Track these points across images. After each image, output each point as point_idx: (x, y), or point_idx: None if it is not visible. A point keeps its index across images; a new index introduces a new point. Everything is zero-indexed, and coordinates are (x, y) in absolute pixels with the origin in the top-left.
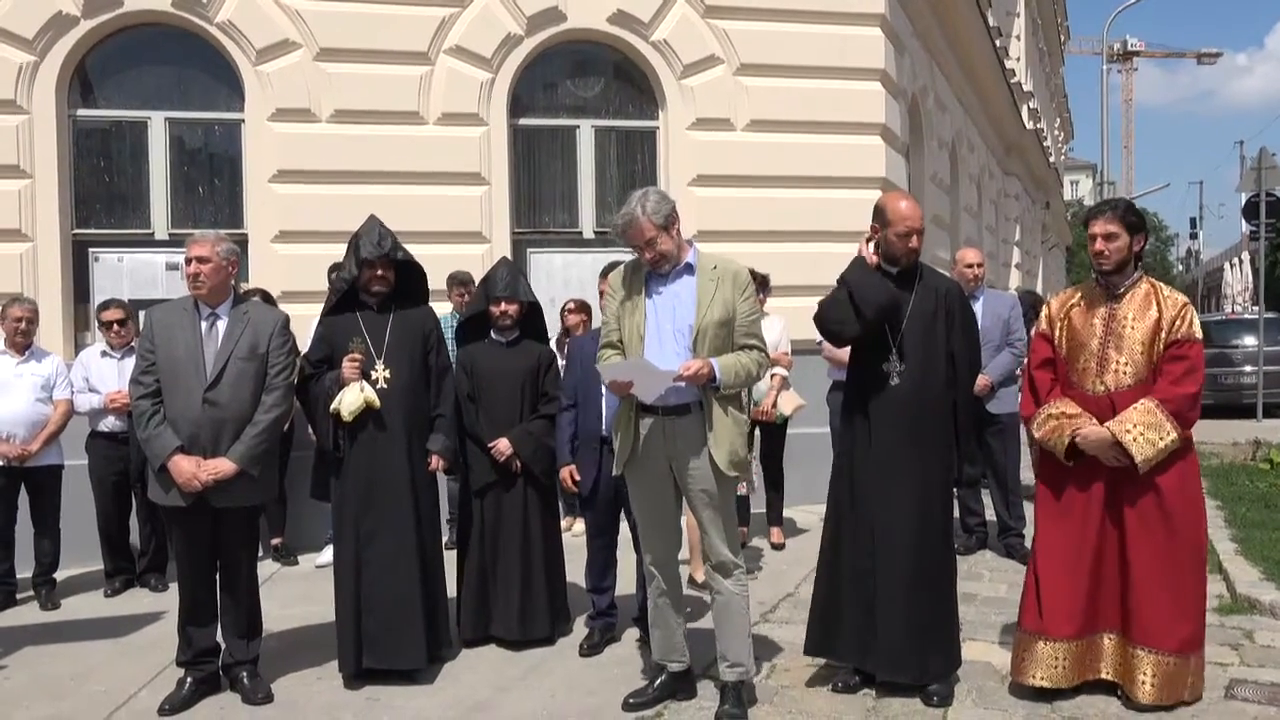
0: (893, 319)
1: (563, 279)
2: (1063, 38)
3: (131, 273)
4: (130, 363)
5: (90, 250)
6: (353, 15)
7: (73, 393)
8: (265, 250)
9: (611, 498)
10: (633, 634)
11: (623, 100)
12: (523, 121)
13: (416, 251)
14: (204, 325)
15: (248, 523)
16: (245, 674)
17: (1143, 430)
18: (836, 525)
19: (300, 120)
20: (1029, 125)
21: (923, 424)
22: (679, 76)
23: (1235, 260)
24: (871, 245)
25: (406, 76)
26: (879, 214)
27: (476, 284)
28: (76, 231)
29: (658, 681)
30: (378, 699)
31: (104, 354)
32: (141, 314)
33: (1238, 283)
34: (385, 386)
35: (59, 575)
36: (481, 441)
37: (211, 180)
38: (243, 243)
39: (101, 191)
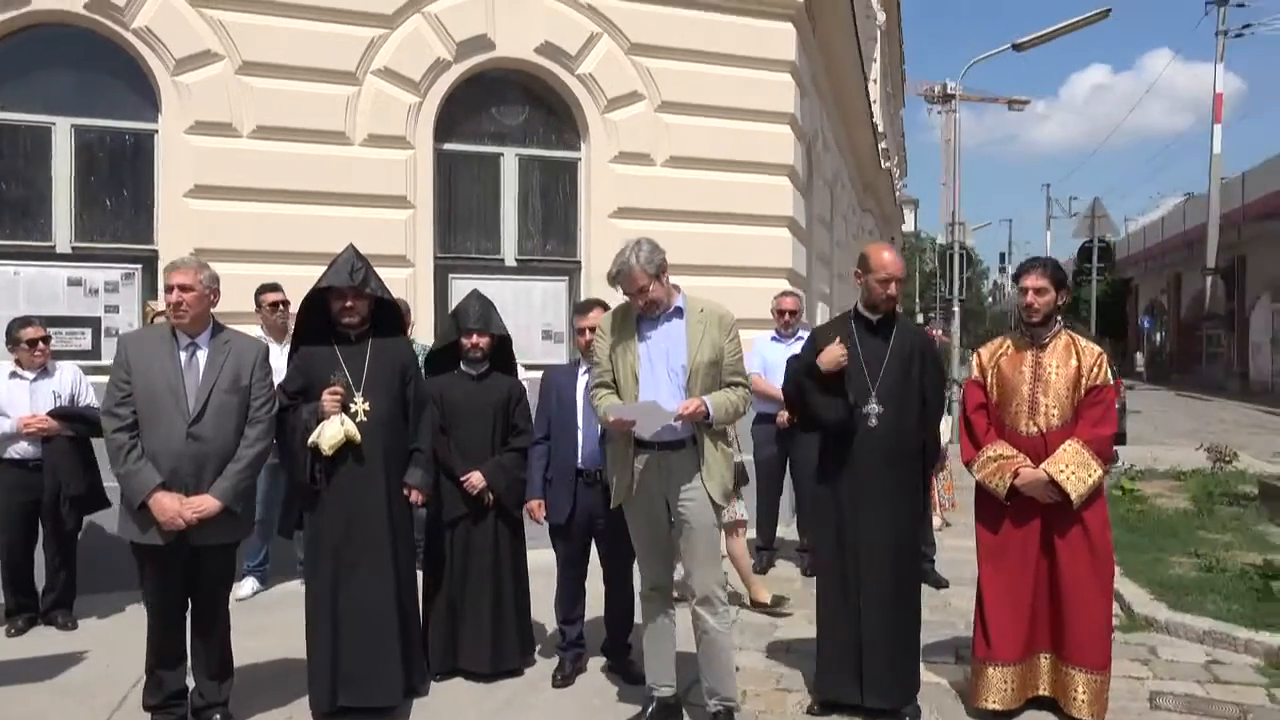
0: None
1: None
2: (904, 80)
3: (29, 286)
4: (44, 384)
5: None
6: (278, 30)
7: None
8: None
9: (585, 529)
10: (597, 663)
11: (546, 130)
12: (447, 146)
13: None
14: (183, 355)
15: (225, 560)
16: (218, 716)
17: (1074, 470)
18: (824, 565)
19: (220, 134)
20: (883, 165)
21: (899, 463)
22: (602, 110)
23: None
24: (839, 351)
25: (333, 95)
26: (863, 261)
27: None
28: None
29: (649, 710)
30: None
31: (14, 375)
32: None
33: None
34: (364, 419)
35: None
36: (453, 473)
37: (120, 192)
38: (153, 259)
39: None
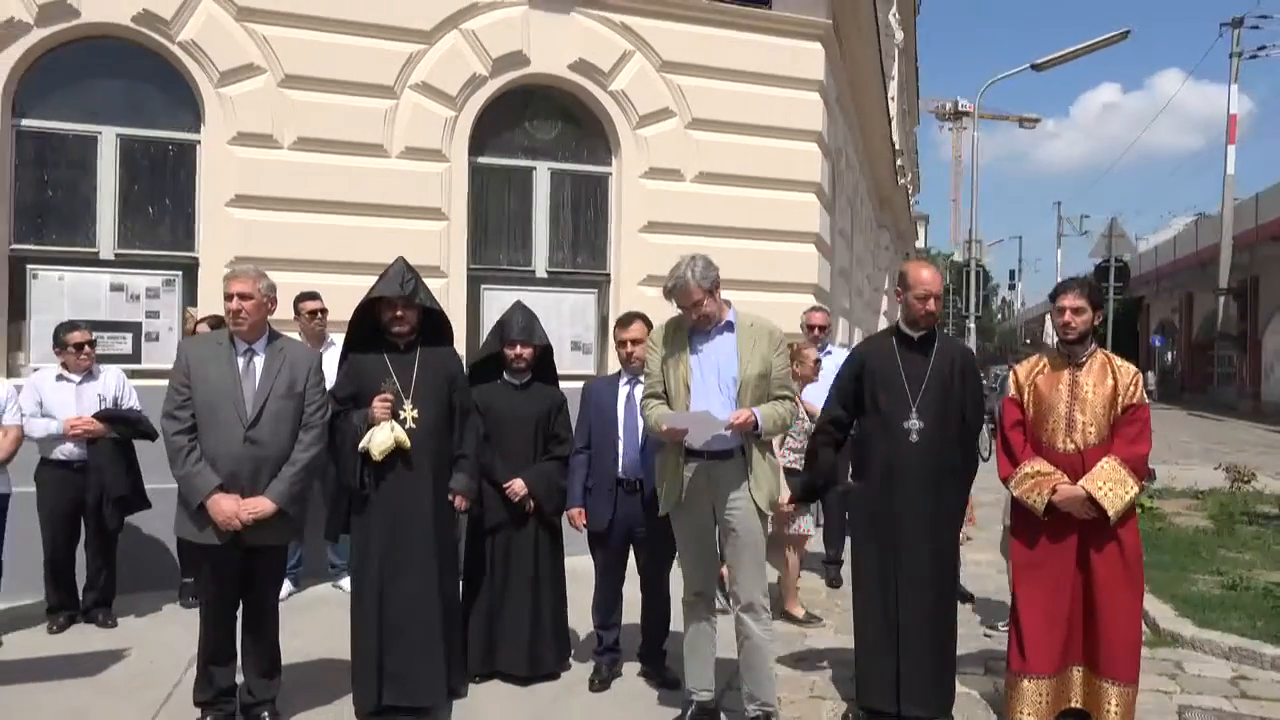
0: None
1: None
2: (918, 97)
3: (73, 292)
4: (90, 387)
5: (28, 266)
6: (319, 44)
7: (23, 418)
8: (219, 276)
9: (623, 537)
10: (631, 668)
11: (579, 145)
12: (481, 160)
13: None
14: (241, 361)
15: (277, 561)
16: (267, 713)
17: (1112, 486)
18: (865, 578)
19: (262, 145)
20: (900, 181)
21: (938, 478)
22: (634, 126)
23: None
24: None
25: (371, 109)
26: (902, 279)
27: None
28: (14, 246)
29: (688, 714)
30: None
31: (60, 378)
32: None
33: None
34: (413, 426)
35: None
36: (496, 480)
37: (163, 201)
38: (193, 267)
39: (44, 206)
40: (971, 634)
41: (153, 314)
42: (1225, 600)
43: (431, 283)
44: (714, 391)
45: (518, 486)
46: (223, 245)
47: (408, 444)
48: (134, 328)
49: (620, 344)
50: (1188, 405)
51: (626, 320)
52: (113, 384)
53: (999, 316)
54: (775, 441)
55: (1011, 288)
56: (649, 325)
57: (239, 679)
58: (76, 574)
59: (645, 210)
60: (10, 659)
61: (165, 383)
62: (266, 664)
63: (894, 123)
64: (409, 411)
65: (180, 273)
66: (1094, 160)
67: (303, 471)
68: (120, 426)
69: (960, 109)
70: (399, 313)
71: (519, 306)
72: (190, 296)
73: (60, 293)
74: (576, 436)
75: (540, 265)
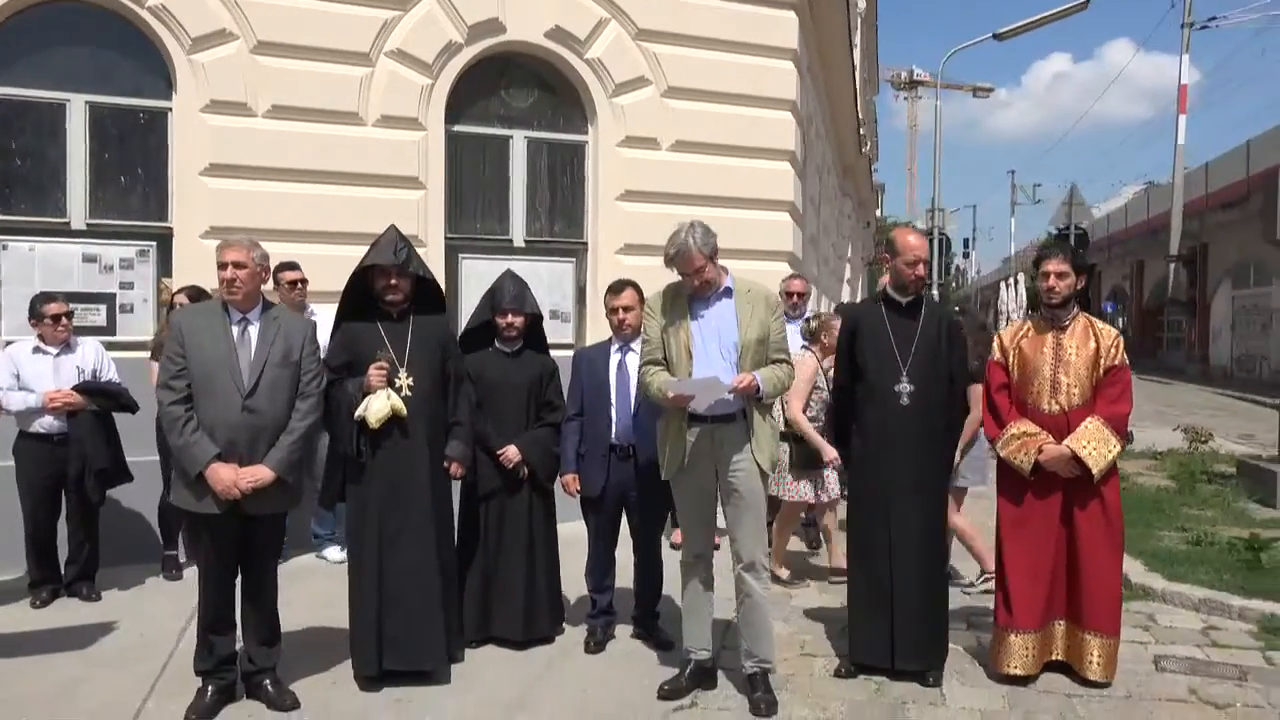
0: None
1: None
2: (877, 66)
3: (44, 263)
4: (68, 360)
5: None
6: (293, 10)
7: None
8: (193, 246)
9: (617, 502)
10: (623, 630)
11: (555, 113)
12: (458, 128)
13: (353, 253)
14: (235, 330)
15: (276, 529)
16: (268, 681)
17: (1095, 445)
18: (858, 537)
19: (236, 113)
20: (863, 150)
21: (929, 438)
22: (610, 95)
23: (1010, 280)
24: None
25: (347, 76)
26: (890, 245)
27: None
28: None
29: (687, 672)
30: (409, 700)
31: (37, 350)
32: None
33: (1012, 300)
34: (408, 394)
35: None
36: (490, 447)
37: (134, 170)
38: (167, 237)
39: (12, 175)
40: (952, 592)
41: (127, 285)
42: (1191, 555)
43: None
44: (715, 357)
45: (512, 453)
46: (197, 215)
47: (404, 412)
48: (108, 299)
49: (612, 311)
50: (1138, 369)
51: (618, 287)
52: (91, 356)
53: (954, 284)
54: (775, 404)
55: (965, 256)
56: (640, 293)
57: (238, 647)
58: (58, 548)
59: (622, 179)
60: None
61: (141, 354)
62: (266, 632)
63: (858, 92)
64: (404, 379)
65: (154, 243)
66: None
67: (300, 440)
68: (100, 399)
69: (916, 78)
70: (392, 281)
71: (510, 275)
72: (165, 267)
73: (31, 264)
74: (569, 403)
75: (518, 234)
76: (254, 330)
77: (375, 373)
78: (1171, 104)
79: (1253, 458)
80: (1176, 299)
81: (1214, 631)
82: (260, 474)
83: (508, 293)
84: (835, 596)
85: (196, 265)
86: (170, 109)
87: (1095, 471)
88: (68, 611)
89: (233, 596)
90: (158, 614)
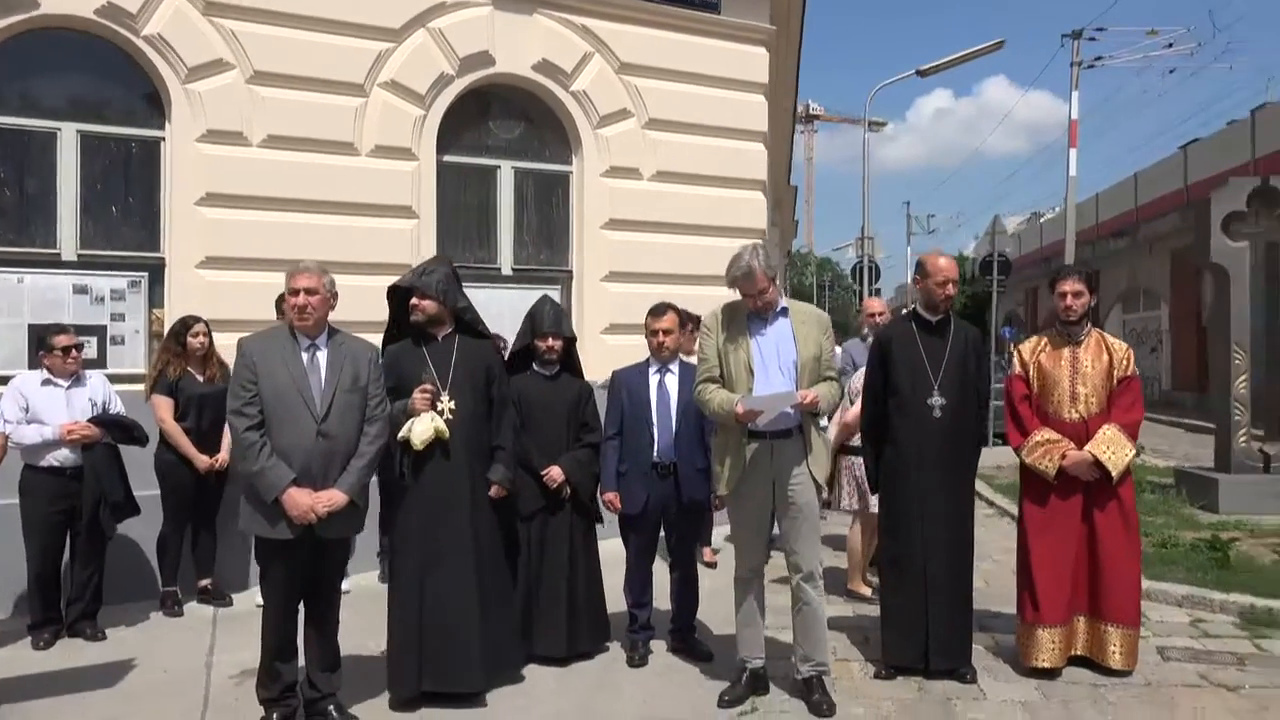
0: None
1: (483, 314)
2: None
3: (34, 294)
4: (79, 392)
5: None
6: (288, 41)
7: (4, 424)
8: (189, 276)
9: (656, 520)
10: (658, 645)
11: (541, 144)
12: (447, 158)
13: (347, 282)
14: (305, 356)
15: (344, 553)
16: (333, 707)
17: (1114, 450)
18: (891, 545)
19: (231, 143)
20: (790, 182)
21: (959, 448)
22: (595, 126)
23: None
24: None
25: (341, 106)
26: (920, 268)
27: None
28: None
29: (743, 679)
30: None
31: (47, 382)
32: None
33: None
34: (451, 417)
35: None
36: (532, 468)
37: (126, 200)
38: (159, 267)
39: (1, 206)
40: None
41: (118, 316)
42: (1162, 556)
43: None
44: (775, 374)
45: (555, 473)
46: (192, 245)
47: (447, 434)
48: (99, 330)
49: (652, 333)
50: None
51: (660, 310)
52: (100, 389)
53: (854, 311)
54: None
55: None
56: (680, 316)
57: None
58: (60, 586)
59: (606, 208)
60: (6, 676)
61: (136, 387)
62: (330, 658)
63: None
64: (446, 403)
65: (146, 274)
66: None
67: (371, 463)
68: (115, 431)
69: (812, 112)
70: (414, 302)
71: (547, 300)
72: (157, 298)
73: (21, 295)
74: (608, 423)
75: (505, 262)
76: (323, 356)
77: (420, 395)
78: (1046, 140)
79: (1192, 467)
80: None
81: (1202, 624)
82: (336, 498)
83: (547, 317)
84: (842, 607)
85: (191, 295)
86: (164, 138)
87: (1115, 474)
88: (74, 652)
89: (295, 623)
90: (174, 650)
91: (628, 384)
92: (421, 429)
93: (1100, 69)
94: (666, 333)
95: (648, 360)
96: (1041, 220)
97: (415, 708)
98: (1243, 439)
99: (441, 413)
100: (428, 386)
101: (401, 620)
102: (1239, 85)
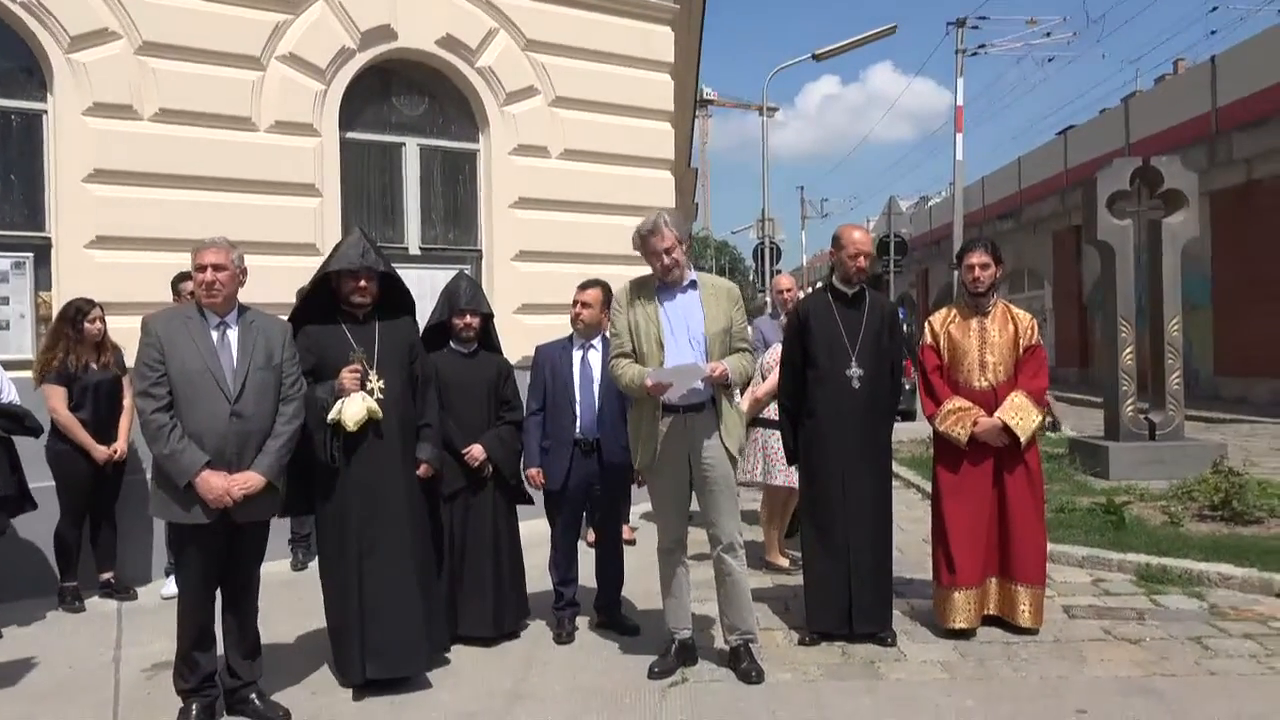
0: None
1: None
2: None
3: None
4: None
5: None
6: (179, 10)
7: None
8: (77, 256)
9: (581, 496)
10: (583, 621)
11: (446, 121)
12: (351, 135)
13: (249, 262)
14: (214, 335)
15: (261, 537)
16: (254, 694)
17: (1022, 416)
18: (815, 511)
19: (120, 116)
20: (691, 164)
21: (877, 418)
22: (501, 104)
23: (812, 285)
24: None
25: (237, 80)
26: (835, 240)
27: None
28: None
29: (672, 651)
30: (404, 703)
31: None
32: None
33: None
34: (381, 397)
35: None
36: (454, 447)
37: (6, 176)
38: (46, 247)
39: None
40: None
41: (1, 300)
42: (1061, 520)
43: (306, 260)
44: (685, 347)
45: (477, 451)
46: (80, 224)
47: (380, 414)
48: None
49: (574, 303)
50: None
51: (587, 284)
52: None
53: (757, 294)
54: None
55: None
56: (607, 294)
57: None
58: None
59: (514, 186)
60: None
61: (24, 374)
62: (251, 644)
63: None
64: (375, 382)
65: (31, 254)
66: (821, 147)
67: (287, 444)
68: (3, 421)
69: (706, 97)
70: (361, 284)
71: (464, 277)
72: (44, 280)
73: None
74: (531, 399)
75: (413, 242)
76: (233, 335)
77: (349, 375)
78: (930, 125)
79: (1087, 436)
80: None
81: (1103, 583)
82: (252, 480)
83: (464, 294)
84: (762, 579)
85: (81, 276)
86: (46, 111)
87: (1023, 439)
88: None
89: (212, 610)
90: (76, 646)
91: (551, 360)
92: (354, 410)
93: (983, 56)
94: (585, 305)
95: (570, 337)
96: (930, 204)
97: (362, 694)
98: (1130, 409)
99: (371, 392)
100: (356, 366)
101: (340, 608)
102: (1110, 74)
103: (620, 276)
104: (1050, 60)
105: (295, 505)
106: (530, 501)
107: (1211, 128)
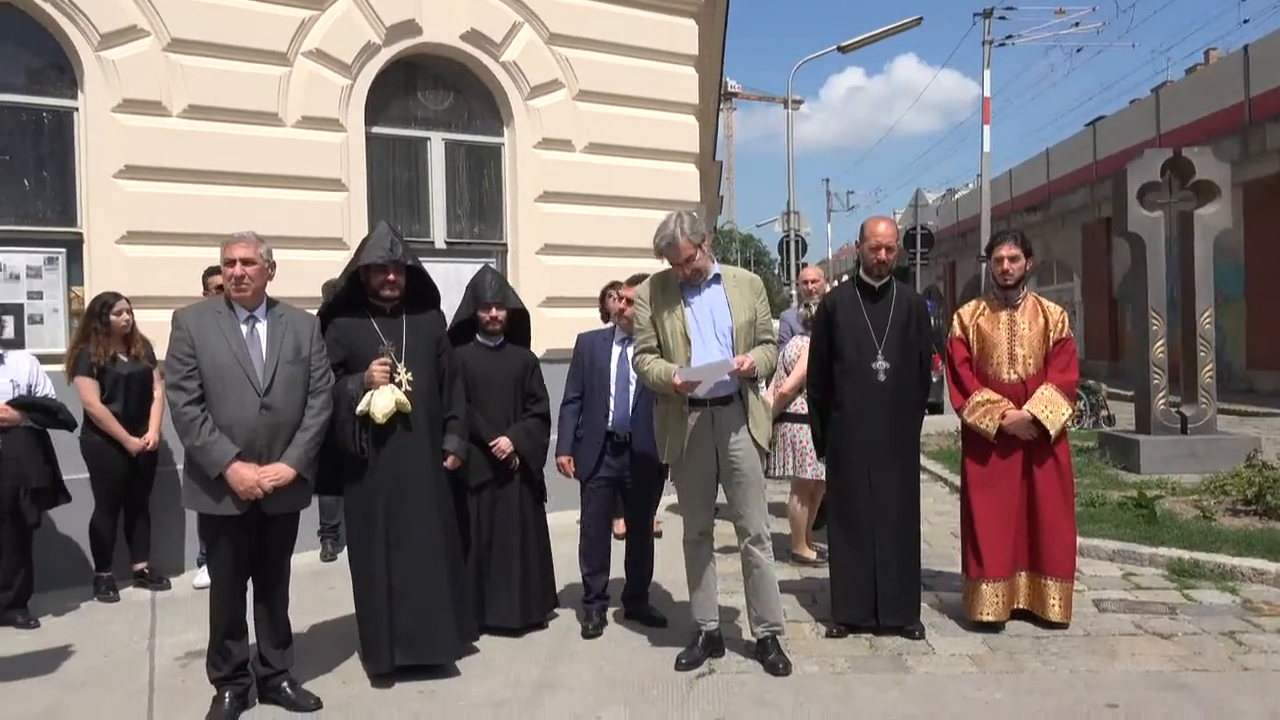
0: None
1: None
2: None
3: None
4: (5, 367)
5: None
6: (207, 6)
7: None
8: (109, 251)
9: (611, 489)
10: (612, 613)
11: (471, 115)
12: (376, 130)
13: (277, 256)
14: (244, 329)
15: (292, 528)
16: (285, 683)
17: (1051, 409)
18: (839, 506)
19: (149, 113)
20: (716, 158)
21: (904, 410)
22: (526, 98)
23: (838, 279)
24: None
25: (265, 76)
26: (860, 233)
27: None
28: None
29: (699, 642)
30: (433, 691)
31: None
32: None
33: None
34: (410, 389)
35: None
36: (481, 440)
37: (39, 173)
38: (77, 243)
39: None
40: None
41: (35, 294)
42: (1092, 514)
43: (333, 255)
44: (711, 341)
45: (504, 444)
46: (111, 219)
47: (409, 407)
48: (15, 310)
49: (621, 299)
50: None
51: (634, 280)
52: (25, 370)
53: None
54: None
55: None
56: None
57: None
58: None
59: (539, 180)
60: None
61: (56, 368)
62: (281, 634)
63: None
64: (404, 375)
65: (64, 250)
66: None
67: (316, 437)
68: (37, 414)
69: (730, 90)
70: (390, 277)
71: (490, 270)
72: (76, 275)
73: None
74: (569, 386)
75: (439, 236)
76: (262, 328)
77: (379, 368)
78: (957, 117)
79: (1115, 430)
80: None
81: (1133, 577)
82: (282, 472)
83: (490, 288)
84: (789, 571)
85: (112, 271)
86: (77, 108)
87: (1052, 432)
88: (5, 640)
89: (244, 600)
90: (112, 635)
91: (591, 349)
92: (383, 402)
93: (1010, 47)
94: (630, 302)
95: (613, 329)
96: (957, 196)
97: (391, 681)
98: (1161, 402)
99: (400, 385)
100: (386, 359)
101: (369, 597)
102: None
103: (645, 270)
104: (1079, 51)
105: (326, 486)
106: (544, 499)
107: (1245, 118)
